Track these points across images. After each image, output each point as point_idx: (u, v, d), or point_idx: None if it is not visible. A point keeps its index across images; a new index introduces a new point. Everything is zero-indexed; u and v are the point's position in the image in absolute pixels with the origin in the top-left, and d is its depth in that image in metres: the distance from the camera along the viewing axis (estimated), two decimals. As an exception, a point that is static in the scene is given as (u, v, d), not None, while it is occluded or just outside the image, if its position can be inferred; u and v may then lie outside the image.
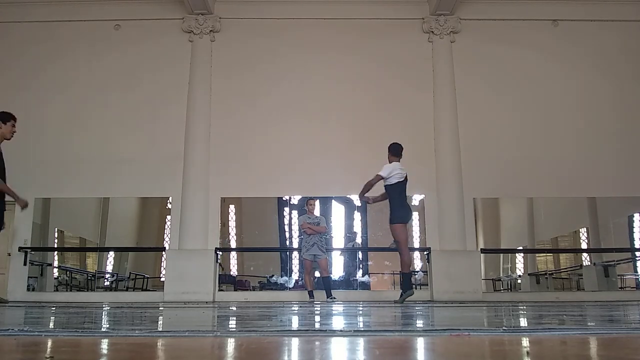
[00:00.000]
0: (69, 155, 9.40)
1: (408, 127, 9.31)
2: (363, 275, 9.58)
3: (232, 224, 9.69)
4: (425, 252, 9.09)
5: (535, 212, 9.79)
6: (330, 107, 9.59)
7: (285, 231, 9.87)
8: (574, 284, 9.61)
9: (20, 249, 9.00)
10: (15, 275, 8.94)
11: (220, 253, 9.21)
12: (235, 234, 9.73)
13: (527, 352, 1.62)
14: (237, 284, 9.72)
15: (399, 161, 7.01)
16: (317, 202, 8.81)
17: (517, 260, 9.86)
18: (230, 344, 1.90)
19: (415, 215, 9.23)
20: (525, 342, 1.87)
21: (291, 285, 9.34)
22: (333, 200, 9.74)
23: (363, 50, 9.79)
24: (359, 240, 9.71)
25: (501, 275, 9.76)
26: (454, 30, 9.79)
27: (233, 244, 9.74)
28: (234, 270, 9.82)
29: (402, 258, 6.83)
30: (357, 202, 9.30)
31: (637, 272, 9.52)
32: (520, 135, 9.51)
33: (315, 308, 5.28)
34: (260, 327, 2.58)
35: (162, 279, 9.05)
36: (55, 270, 9.55)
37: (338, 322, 3.05)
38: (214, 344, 1.90)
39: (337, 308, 5.17)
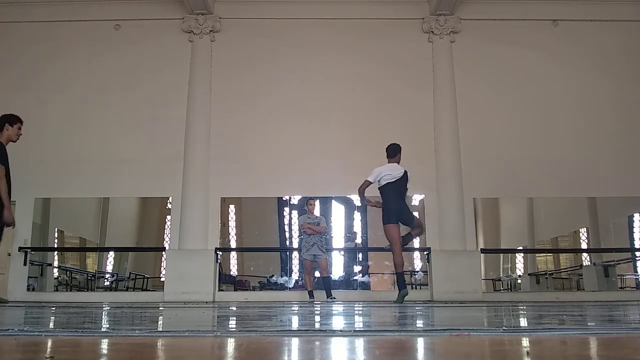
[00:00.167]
0: (69, 155, 9.40)
1: (408, 127, 9.31)
2: (363, 276, 9.59)
3: (232, 224, 9.69)
4: (425, 252, 9.08)
5: (535, 212, 9.79)
6: (330, 107, 9.59)
7: (285, 231, 9.88)
8: (574, 284, 9.61)
9: (20, 249, 8.99)
10: (15, 275, 8.94)
11: (220, 253, 9.20)
12: (235, 234, 9.73)
13: (527, 352, 1.62)
14: (237, 284, 9.73)
15: (398, 162, 7.00)
16: (317, 202, 8.81)
17: (517, 260, 9.87)
18: (230, 344, 1.90)
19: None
20: (525, 342, 1.87)
21: (291, 285, 9.34)
22: (333, 200, 9.75)
23: (363, 50, 9.78)
24: (359, 240, 9.71)
25: (501, 275, 9.76)
26: (454, 30, 9.78)
27: (233, 244, 9.75)
28: (234, 270, 9.82)
29: (394, 258, 6.84)
30: (357, 202, 9.29)
31: (637, 272, 9.52)
32: (520, 135, 9.51)
33: (315, 308, 5.28)
34: (260, 327, 2.58)
35: (162, 279, 9.05)
36: (55, 270, 9.55)
37: (338, 322, 3.05)
38: (214, 344, 1.90)
39: (337, 308, 5.17)
